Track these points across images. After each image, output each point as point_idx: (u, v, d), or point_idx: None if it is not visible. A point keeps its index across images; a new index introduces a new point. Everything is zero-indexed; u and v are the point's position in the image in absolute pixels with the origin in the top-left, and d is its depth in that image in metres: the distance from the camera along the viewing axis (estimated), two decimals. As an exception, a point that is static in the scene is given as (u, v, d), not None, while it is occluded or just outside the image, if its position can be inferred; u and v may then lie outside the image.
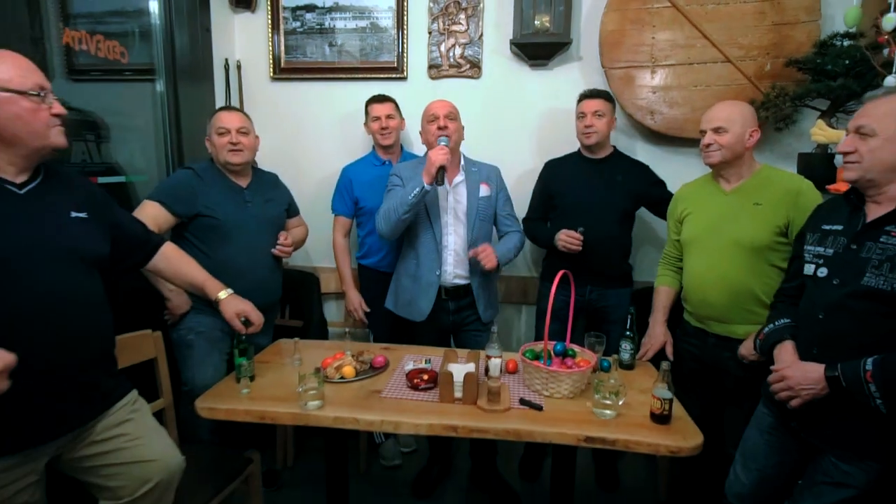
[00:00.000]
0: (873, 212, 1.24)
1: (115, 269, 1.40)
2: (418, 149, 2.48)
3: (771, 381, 1.35)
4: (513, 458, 2.42)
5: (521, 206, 2.26)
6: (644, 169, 2.22)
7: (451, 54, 2.54)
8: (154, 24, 2.21)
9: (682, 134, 2.34)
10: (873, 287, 1.17)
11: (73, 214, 1.24)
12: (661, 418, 1.37)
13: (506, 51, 2.50)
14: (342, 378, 1.59)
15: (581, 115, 2.12)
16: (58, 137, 1.21)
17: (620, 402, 1.42)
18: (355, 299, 2.38)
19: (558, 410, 1.43)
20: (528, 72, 2.52)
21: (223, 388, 1.54)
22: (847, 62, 1.91)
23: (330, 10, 2.58)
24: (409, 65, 2.59)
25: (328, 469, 1.78)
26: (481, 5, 2.49)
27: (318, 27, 2.60)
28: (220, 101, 2.58)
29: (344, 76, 2.63)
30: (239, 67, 2.66)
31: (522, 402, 1.46)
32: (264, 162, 2.03)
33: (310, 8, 2.59)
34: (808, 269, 1.35)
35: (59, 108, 1.20)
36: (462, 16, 2.50)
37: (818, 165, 1.96)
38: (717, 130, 1.69)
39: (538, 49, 2.41)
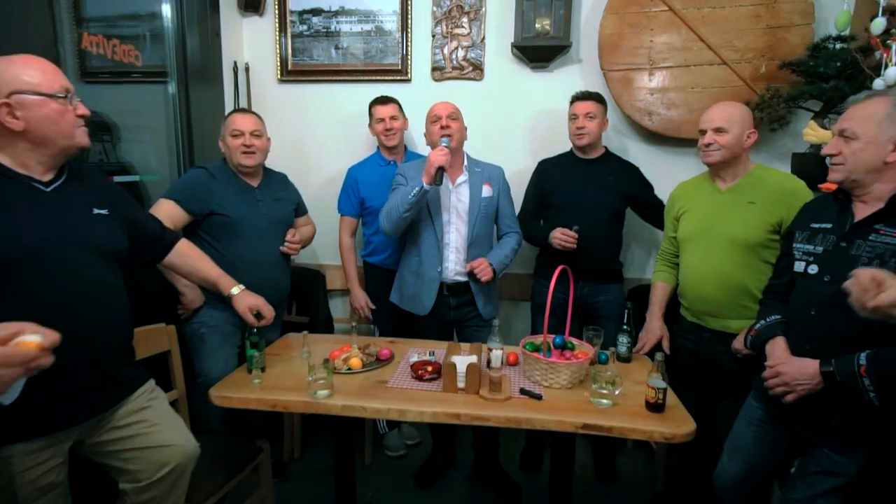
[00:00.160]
0: (860, 211, 1.29)
1: (132, 263, 1.46)
2: (422, 149, 2.55)
3: (766, 377, 1.39)
4: (514, 451, 2.48)
5: (521, 205, 2.32)
6: (635, 170, 2.28)
7: (453, 57, 2.61)
8: (166, 28, 2.27)
9: (679, 134, 2.40)
10: None
11: (95, 211, 1.31)
12: (655, 407, 1.42)
13: (507, 53, 2.56)
14: (349, 369, 1.65)
15: (573, 117, 2.18)
16: (83, 138, 1.27)
17: (617, 392, 1.48)
18: (361, 297, 2.44)
19: (557, 400, 1.49)
20: (529, 74, 2.58)
21: (236, 379, 1.61)
22: (839, 65, 1.96)
23: (336, 13, 2.64)
24: (412, 67, 2.65)
25: (335, 460, 1.83)
26: (483, 9, 2.55)
27: (325, 30, 2.66)
28: (229, 103, 2.65)
29: (349, 78, 2.69)
30: (247, 70, 2.73)
31: (522, 391, 1.52)
32: (271, 162, 2.09)
33: (316, 12, 2.65)
34: (799, 266, 1.40)
35: (83, 110, 1.26)
36: (465, 19, 2.56)
37: (811, 165, 2.02)
38: (717, 131, 1.74)
39: (539, 52, 2.47)
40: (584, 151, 2.23)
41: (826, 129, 1.97)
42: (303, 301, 2.65)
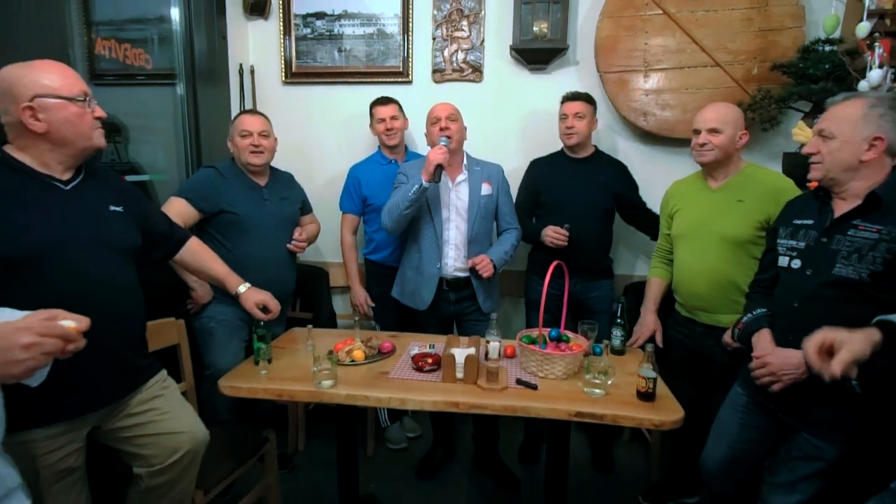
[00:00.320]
0: (840, 207, 1.35)
1: (144, 260, 1.53)
2: (423, 149, 2.61)
3: (753, 368, 1.44)
4: (513, 443, 2.54)
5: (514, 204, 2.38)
6: (623, 169, 2.35)
7: (454, 59, 2.67)
8: (175, 31, 2.34)
9: (674, 134, 2.46)
10: (844, 276, 1.27)
11: (111, 208, 1.37)
12: (646, 396, 1.48)
13: (506, 56, 2.63)
14: (353, 361, 1.71)
15: (563, 117, 2.24)
16: (100, 139, 1.33)
17: (609, 382, 1.54)
18: (361, 294, 2.49)
19: (552, 390, 1.55)
20: (527, 76, 2.64)
21: (244, 370, 1.67)
22: (827, 67, 2.02)
23: (339, 17, 2.71)
24: (413, 69, 2.71)
25: (339, 451, 1.89)
26: (483, 13, 2.61)
27: (328, 33, 2.73)
28: (234, 104, 2.72)
29: (352, 80, 2.76)
30: (252, 72, 2.79)
31: (519, 382, 1.58)
32: (275, 162, 2.15)
33: (319, 15, 2.72)
34: (783, 261, 1.45)
35: (100, 112, 1.32)
36: (464, 23, 2.63)
37: (801, 164, 2.03)
38: (711, 131, 1.79)
39: (537, 54, 2.53)
40: (574, 151, 2.29)
41: (814, 129, 2.03)
42: (306, 298, 2.71)
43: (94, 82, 2.08)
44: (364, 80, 2.74)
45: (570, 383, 1.59)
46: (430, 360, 1.67)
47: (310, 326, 1.91)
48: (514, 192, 2.33)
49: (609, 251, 2.39)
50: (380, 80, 2.73)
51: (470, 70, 2.67)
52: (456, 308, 2.18)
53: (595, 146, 2.34)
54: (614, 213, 2.35)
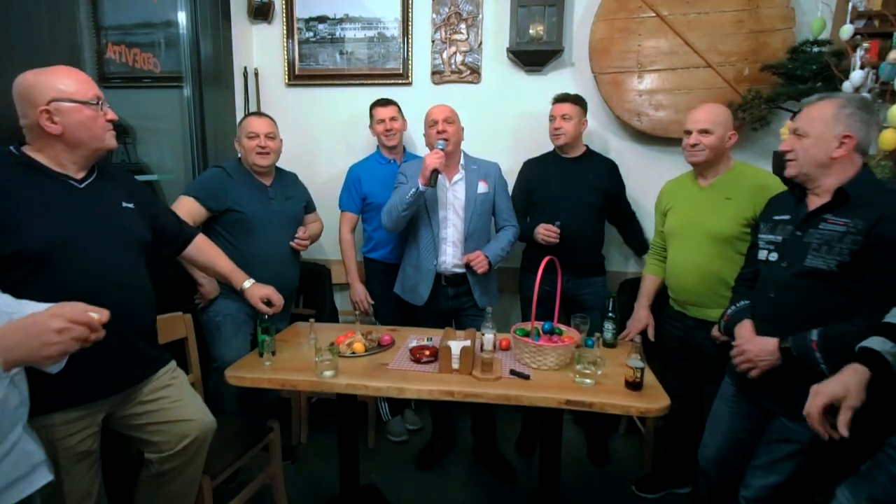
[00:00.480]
0: (813, 203, 1.41)
1: (154, 255, 1.60)
2: (422, 150, 2.67)
3: (732, 356, 1.51)
4: (510, 436, 2.61)
5: (515, 203, 2.45)
6: (614, 168, 2.40)
7: (452, 61, 2.73)
8: (181, 35, 2.41)
9: (667, 134, 2.52)
10: (814, 267, 1.34)
11: (124, 204, 1.45)
12: (634, 385, 1.54)
13: (503, 58, 2.69)
14: (353, 353, 1.77)
15: (551, 118, 2.30)
16: (111, 140, 1.40)
17: (599, 372, 1.60)
18: (360, 291, 2.54)
19: (544, 379, 1.61)
20: (524, 77, 2.71)
21: (249, 361, 1.74)
22: (815, 67, 2.08)
23: (340, 21, 2.78)
24: (413, 71, 2.78)
25: (340, 441, 1.95)
26: (480, 16, 2.68)
27: (330, 37, 2.80)
28: (239, 106, 2.79)
29: (353, 82, 2.83)
30: (257, 74, 2.87)
31: (512, 372, 1.65)
32: (279, 161, 2.22)
33: (322, 19, 2.79)
34: (762, 254, 1.52)
35: (112, 115, 1.39)
36: (463, 26, 2.69)
37: (790, 162, 2.13)
38: (702, 132, 1.85)
39: (533, 56, 2.60)
40: (564, 150, 2.35)
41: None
42: (309, 294, 2.78)
43: (104, 85, 2.14)
44: (365, 81, 2.81)
45: (561, 374, 1.65)
46: (427, 352, 1.74)
47: (312, 320, 1.98)
48: (508, 190, 2.39)
49: (601, 248, 2.44)
50: (380, 81, 2.80)
51: (468, 72, 2.74)
52: (454, 303, 2.25)
53: (587, 146, 2.39)
54: (605, 211, 2.41)
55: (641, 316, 2.13)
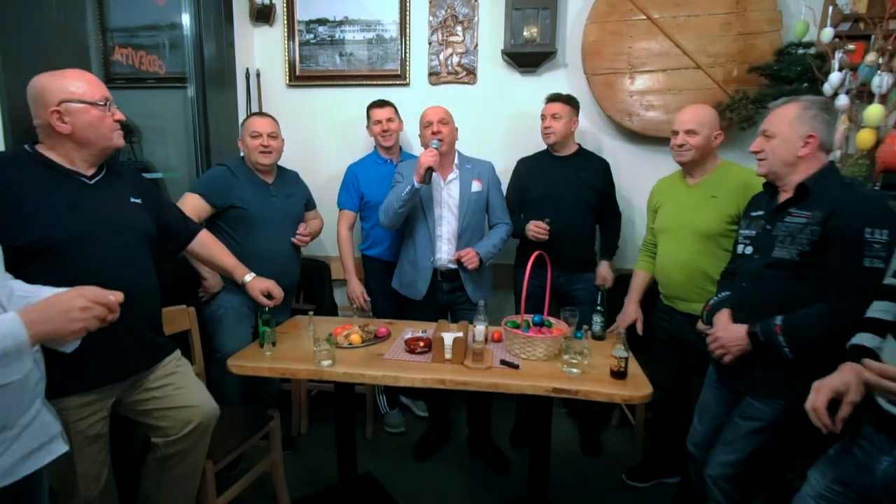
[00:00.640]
0: (782, 199, 1.50)
1: (160, 250, 1.67)
2: (418, 149, 2.73)
3: (708, 343, 1.59)
4: (505, 428, 2.68)
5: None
6: (606, 167, 2.46)
7: (449, 63, 2.80)
8: (185, 37, 2.48)
9: (658, 134, 2.58)
10: (780, 257, 1.43)
11: (132, 200, 1.52)
12: (618, 374, 1.61)
13: (498, 59, 2.75)
14: (350, 344, 1.84)
15: (543, 117, 2.37)
16: (118, 140, 1.47)
17: (586, 362, 1.67)
18: (357, 287, 2.59)
19: (533, 369, 1.68)
20: (518, 78, 2.77)
21: (250, 351, 1.81)
22: (799, 69, 2.14)
23: (340, 23, 2.85)
24: (411, 72, 2.85)
25: (338, 432, 2.01)
26: (476, 18, 2.75)
27: (330, 39, 2.87)
28: (241, 106, 2.86)
29: (352, 83, 2.89)
30: (258, 75, 2.94)
31: (503, 362, 1.71)
32: (280, 161, 2.29)
33: (322, 22, 2.86)
34: (740, 248, 1.61)
35: (119, 115, 1.46)
36: (459, 28, 2.76)
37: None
38: (689, 132, 1.92)
39: (527, 58, 2.66)
40: (556, 149, 2.42)
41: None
42: (309, 290, 2.86)
43: (110, 86, 2.19)
44: (364, 82, 2.88)
45: (550, 364, 1.72)
46: (421, 344, 1.80)
47: (311, 313, 2.05)
48: (505, 189, 2.46)
49: (593, 245, 2.50)
50: (379, 82, 2.86)
51: (464, 73, 2.80)
52: (449, 298, 2.32)
53: (579, 144, 2.45)
54: (596, 208, 2.46)
55: (630, 311, 2.19)
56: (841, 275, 1.31)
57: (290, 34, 2.89)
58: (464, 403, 2.53)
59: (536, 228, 2.26)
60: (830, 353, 1.20)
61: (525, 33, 2.59)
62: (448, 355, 1.72)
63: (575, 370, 1.64)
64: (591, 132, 2.75)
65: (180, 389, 1.58)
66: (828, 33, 1.90)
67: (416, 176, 2.06)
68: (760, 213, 1.55)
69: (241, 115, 2.83)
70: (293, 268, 2.32)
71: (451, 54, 2.79)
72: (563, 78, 2.72)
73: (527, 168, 2.50)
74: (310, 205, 2.46)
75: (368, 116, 2.59)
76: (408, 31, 2.80)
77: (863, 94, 1.82)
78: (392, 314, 2.48)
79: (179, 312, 1.95)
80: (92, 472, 1.43)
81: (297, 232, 2.29)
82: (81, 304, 1.00)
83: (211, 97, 2.57)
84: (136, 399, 1.53)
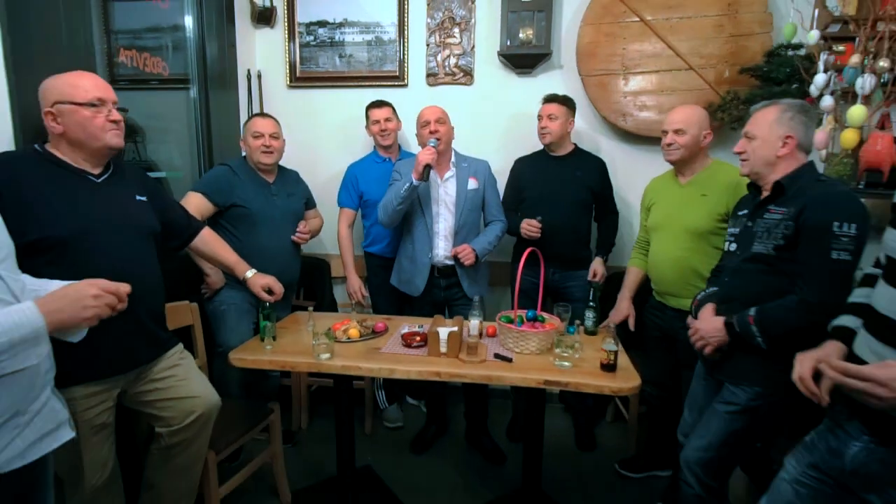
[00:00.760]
0: (763, 197, 1.55)
1: (164, 247, 1.72)
2: (416, 149, 2.78)
3: (689, 335, 1.65)
4: (501, 422, 2.73)
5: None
6: (602, 166, 2.50)
7: (446, 64, 2.85)
8: (188, 39, 2.53)
9: (651, 133, 2.62)
10: (757, 251, 1.49)
11: (137, 198, 1.57)
12: (608, 367, 1.65)
13: (495, 61, 2.80)
14: (349, 339, 1.89)
15: (539, 118, 2.41)
16: (114, 139, 1.46)
17: (576, 356, 1.72)
18: (355, 283, 2.64)
19: (526, 362, 1.73)
20: (514, 79, 2.82)
21: (251, 345, 1.86)
22: (788, 70, 2.19)
23: (340, 25, 2.90)
24: (409, 73, 2.90)
25: (337, 425, 2.05)
26: (473, 20, 2.80)
27: (329, 41, 2.92)
28: (243, 107, 2.91)
29: (352, 84, 2.95)
30: (259, 76, 2.99)
31: (496, 356, 1.76)
32: (282, 162, 2.34)
33: (322, 24, 2.91)
34: (726, 245, 1.67)
35: (115, 115, 1.44)
36: (456, 30, 2.81)
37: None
38: (677, 132, 1.97)
39: (523, 59, 2.71)
40: (552, 149, 2.46)
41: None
42: (309, 287, 2.91)
43: (115, 87, 2.24)
44: (363, 83, 2.93)
45: (542, 357, 1.77)
46: (418, 338, 1.85)
47: (311, 309, 2.10)
48: (501, 188, 2.51)
49: (588, 243, 2.54)
50: (377, 83, 2.91)
51: (461, 74, 2.85)
52: (446, 294, 2.36)
53: (575, 144, 2.50)
54: (592, 207, 2.51)
55: (623, 307, 2.24)
56: (810, 267, 1.37)
57: (291, 36, 2.94)
58: (461, 399, 2.58)
59: (529, 227, 2.31)
60: (802, 342, 1.24)
61: (521, 35, 2.64)
62: (443, 349, 1.77)
63: (566, 363, 1.69)
64: (587, 132, 2.79)
65: (183, 381, 1.63)
66: (813, 35, 1.95)
67: (414, 173, 2.11)
68: (745, 211, 1.61)
69: (243, 116, 2.88)
70: (293, 265, 2.38)
71: (449, 56, 2.84)
72: (559, 79, 2.77)
73: (524, 167, 2.55)
74: (310, 203, 2.51)
75: (367, 117, 2.64)
76: (406, 32, 2.85)
77: (848, 95, 1.86)
78: (391, 309, 2.53)
79: (183, 308, 2.00)
80: (98, 461, 1.49)
81: (297, 229, 2.34)
82: (94, 293, 1.06)
83: (213, 98, 2.62)
84: (141, 390, 1.58)
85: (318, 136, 3.03)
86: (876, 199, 1.78)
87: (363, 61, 2.92)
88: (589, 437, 2.64)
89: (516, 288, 1.79)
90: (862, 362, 1.02)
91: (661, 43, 2.55)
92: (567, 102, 2.40)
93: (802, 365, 1.17)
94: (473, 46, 2.82)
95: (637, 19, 2.56)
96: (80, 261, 1.38)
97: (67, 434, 1.13)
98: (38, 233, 1.33)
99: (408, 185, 2.12)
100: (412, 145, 2.85)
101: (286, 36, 2.94)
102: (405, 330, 1.96)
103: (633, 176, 2.69)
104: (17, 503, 1.10)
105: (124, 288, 1.12)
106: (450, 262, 2.30)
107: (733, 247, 1.61)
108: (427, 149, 2.11)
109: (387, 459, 2.47)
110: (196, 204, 2.07)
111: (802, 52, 2.22)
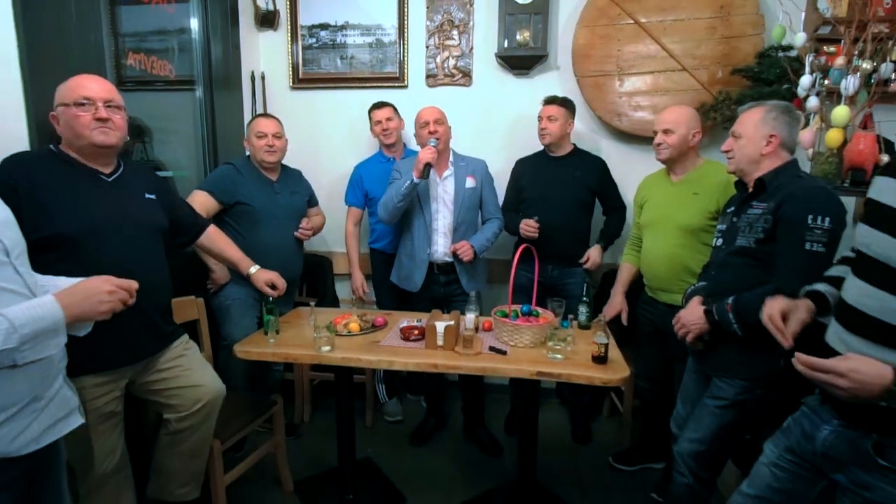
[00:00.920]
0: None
1: (171, 244, 1.78)
2: (416, 148, 2.84)
3: (673, 324, 1.71)
4: (499, 416, 2.79)
5: (502, 200, 2.61)
6: (602, 166, 2.54)
7: (445, 65, 2.91)
8: (194, 41, 2.60)
9: (646, 133, 2.65)
10: (740, 245, 1.55)
11: (146, 196, 1.64)
12: (599, 359, 1.71)
13: (493, 62, 2.86)
14: (349, 332, 1.96)
15: (539, 119, 2.47)
16: (98, 136, 1.45)
17: (569, 349, 1.77)
18: (358, 279, 2.72)
19: (519, 355, 1.78)
20: (512, 80, 2.88)
21: (255, 338, 1.92)
22: (778, 71, 2.24)
23: (342, 27, 2.97)
24: (409, 74, 2.96)
25: (338, 417, 2.11)
26: (471, 23, 2.85)
27: (331, 43, 2.99)
28: (247, 108, 2.98)
29: (353, 85, 3.01)
30: (263, 78, 3.05)
31: (491, 348, 1.82)
32: (284, 160, 2.40)
33: (324, 26, 2.98)
34: (714, 241, 1.72)
35: (101, 113, 1.45)
36: (455, 32, 2.87)
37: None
38: (665, 132, 2.03)
39: (520, 60, 2.77)
40: (551, 149, 2.51)
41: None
42: (312, 284, 2.97)
43: (122, 89, 2.30)
44: (364, 85, 2.99)
45: (536, 350, 1.82)
46: (416, 332, 1.92)
47: (313, 304, 2.16)
48: (499, 187, 2.56)
49: (586, 241, 2.58)
50: (378, 84, 2.97)
51: (460, 75, 2.91)
52: (445, 290, 2.43)
53: (574, 144, 2.55)
54: (592, 206, 2.55)
55: (616, 302, 2.30)
56: (785, 257, 1.43)
57: (294, 38, 3.00)
58: (459, 393, 2.64)
59: (527, 227, 2.37)
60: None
61: (518, 37, 2.70)
62: (440, 342, 1.83)
63: (559, 356, 1.75)
64: (584, 132, 2.84)
65: (189, 370, 1.70)
66: (800, 38, 2.00)
67: (415, 171, 2.17)
68: (732, 208, 1.67)
69: (247, 116, 2.94)
70: (296, 261, 2.44)
71: (448, 57, 2.90)
72: (555, 80, 2.82)
73: (524, 168, 2.60)
74: (312, 201, 2.57)
75: (370, 118, 2.71)
76: (406, 35, 2.91)
77: (833, 96, 1.91)
78: (393, 305, 2.60)
79: (189, 303, 2.07)
80: (107, 448, 1.55)
81: (300, 226, 2.40)
82: (108, 288, 1.13)
83: (218, 99, 2.68)
84: (148, 380, 1.65)
85: (321, 137, 3.09)
86: (860, 197, 1.83)
87: (364, 63, 2.98)
88: (585, 431, 2.70)
89: (510, 283, 1.85)
90: (833, 352, 1.08)
91: (656, 44, 2.60)
92: (566, 104, 2.45)
93: (772, 307, 1.24)
94: (472, 48, 2.88)
95: (631, 21, 2.61)
96: (90, 257, 1.44)
97: (78, 420, 1.19)
98: (50, 229, 1.39)
99: (408, 182, 2.18)
100: (413, 145, 2.91)
101: (289, 38, 3.01)
102: (404, 324, 2.02)
103: (628, 175, 2.72)
104: (33, 485, 1.17)
105: (133, 284, 1.19)
106: (449, 259, 2.36)
107: (720, 242, 1.67)
108: (428, 148, 2.18)
109: (387, 452, 2.53)
110: (202, 202, 2.13)
111: (793, 53, 2.28)
